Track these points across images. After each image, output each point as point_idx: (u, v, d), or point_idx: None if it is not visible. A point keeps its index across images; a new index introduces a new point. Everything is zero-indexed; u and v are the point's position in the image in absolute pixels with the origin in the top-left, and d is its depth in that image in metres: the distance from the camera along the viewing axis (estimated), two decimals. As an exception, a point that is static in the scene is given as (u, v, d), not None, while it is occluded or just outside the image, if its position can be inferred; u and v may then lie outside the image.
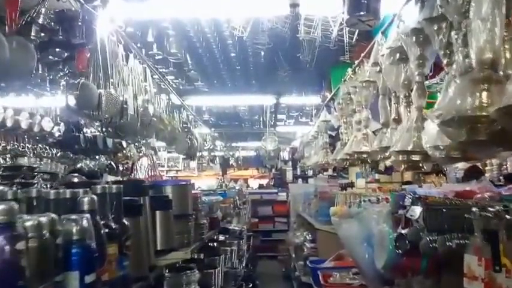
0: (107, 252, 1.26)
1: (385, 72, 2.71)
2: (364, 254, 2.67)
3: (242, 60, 5.73)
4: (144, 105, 3.78)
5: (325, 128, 5.81)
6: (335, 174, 9.61)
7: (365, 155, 3.48)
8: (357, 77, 3.72)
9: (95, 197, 1.27)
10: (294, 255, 8.02)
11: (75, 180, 2.72)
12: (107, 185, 1.43)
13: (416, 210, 2.32)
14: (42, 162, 11.25)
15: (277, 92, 6.50)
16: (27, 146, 8.19)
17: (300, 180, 13.66)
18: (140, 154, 9.35)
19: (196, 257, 3.62)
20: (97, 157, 9.51)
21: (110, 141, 6.61)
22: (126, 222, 1.49)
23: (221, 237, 4.71)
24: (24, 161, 9.81)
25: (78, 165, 9.82)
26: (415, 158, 2.25)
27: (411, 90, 2.46)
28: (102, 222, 1.28)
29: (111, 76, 3.15)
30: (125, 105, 3.13)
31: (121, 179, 4.48)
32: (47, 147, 8.11)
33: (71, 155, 8.83)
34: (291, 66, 5.46)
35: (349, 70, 3.90)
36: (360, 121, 3.64)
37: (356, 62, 3.79)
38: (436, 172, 10.81)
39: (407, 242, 2.31)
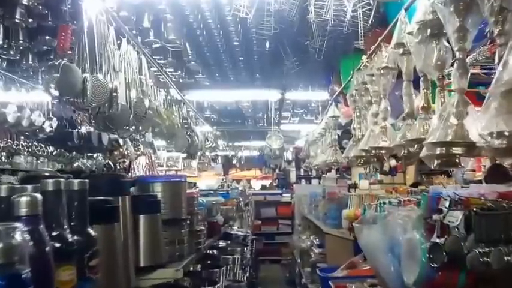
0: (57, 279, 0.87)
1: (413, 53, 2.32)
2: (389, 266, 2.29)
3: (245, 49, 5.34)
4: (138, 96, 3.41)
5: (334, 124, 5.44)
6: (338, 175, 9.24)
7: (383, 151, 3.10)
8: (372, 65, 3.33)
9: (39, 197, 0.88)
10: (299, 260, 7.65)
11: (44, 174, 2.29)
12: (62, 180, 1.03)
13: (457, 215, 1.94)
14: (39, 161, 10.95)
15: (282, 86, 6.11)
16: (21, 144, 7.85)
17: (303, 181, 13.38)
18: (138, 153, 9.00)
19: (192, 269, 3.19)
20: (94, 156, 9.19)
21: (105, 138, 6.26)
22: (93, 233, 1.09)
23: (222, 243, 4.27)
24: (20, 160, 9.50)
25: (75, 164, 9.51)
26: (456, 150, 1.86)
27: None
28: (52, 233, 0.90)
29: (100, 61, 2.76)
30: (114, 94, 2.75)
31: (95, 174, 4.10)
32: (42, 145, 7.76)
33: (67, 154, 8.49)
34: (298, 56, 5.07)
35: (364, 57, 3.52)
36: (376, 113, 3.26)
37: (371, 48, 3.40)
38: (440, 173, 10.46)
39: (444, 253, 1.93)
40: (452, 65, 2.03)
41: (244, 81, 6.53)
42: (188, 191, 2.69)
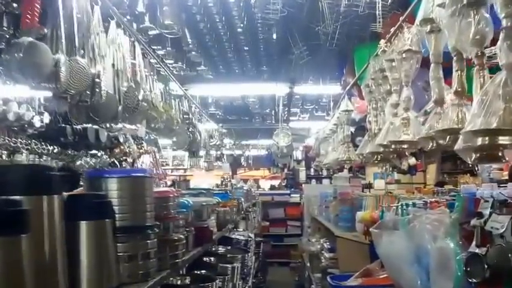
0: None
1: (444, 28, 1.99)
2: (415, 280, 1.96)
3: (251, 37, 5.00)
4: (129, 85, 3.11)
5: (347, 119, 5.10)
6: (351, 174, 8.89)
7: (405, 146, 2.77)
8: (392, 49, 2.99)
9: None
10: (308, 264, 7.32)
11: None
12: None
13: (502, 220, 1.62)
14: (41, 160, 10.68)
15: (291, 79, 5.77)
16: (20, 142, 7.59)
17: (313, 181, 13.10)
18: (141, 151, 8.72)
19: (179, 282, 2.76)
20: (98, 154, 8.92)
21: (103, 135, 5.96)
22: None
23: (221, 249, 3.84)
24: (22, 158, 9.25)
25: (78, 163, 9.25)
26: (503, 140, 1.53)
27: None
28: None
29: (82, 43, 2.46)
30: (97, 80, 2.44)
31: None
32: (43, 143, 7.51)
33: (69, 152, 8.22)
34: (308, 44, 4.72)
35: (382, 41, 3.18)
36: (396, 103, 2.94)
37: (391, 30, 3.07)
38: (463, 172, 10.08)
39: (485, 266, 1.62)
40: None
41: (250, 74, 6.19)
42: (160, 189, 2.34)
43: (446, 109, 2.04)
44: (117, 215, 1.61)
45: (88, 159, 9.14)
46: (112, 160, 9.29)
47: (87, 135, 5.52)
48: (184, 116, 5.32)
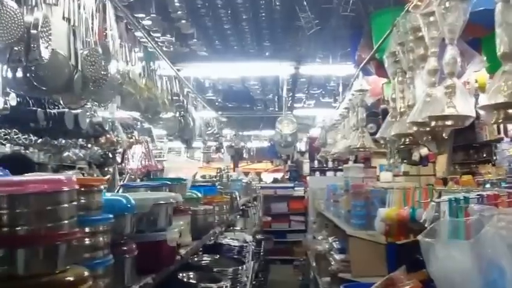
0: None
1: None
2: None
3: (250, 4, 4.29)
4: (92, 48, 2.46)
5: (361, 100, 4.45)
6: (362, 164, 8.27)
7: (450, 121, 2.13)
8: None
9: None
10: (314, 264, 6.72)
11: None
12: None
13: None
14: (27, 152, 10.05)
15: (296, 57, 5.10)
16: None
17: (317, 173, 12.63)
18: (131, 140, 8.09)
19: None
20: (88, 145, 8.31)
21: (83, 121, 5.31)
22: None
23: (206, 259, 2.91)
24: (5, 150, 8.64)
25: (65, 154, 8.61)
26: None
27: None
28: None
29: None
30: (33, 31, 1.80)
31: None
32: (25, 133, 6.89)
33: (55, 142, 7.59)
34: (317, 9, 4.03)
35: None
36: (435, 69, 2.30)
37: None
38: (477, 163, 9.44)
39: None
40: None
41: (251, 50, 5.51)
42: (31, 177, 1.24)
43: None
44: None
45: (77, 150, 8.54)
46: (104, 152, 8.69)
47: (63, 120, 4.88)
48: (174, 98, 4.66)
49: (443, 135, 2.45)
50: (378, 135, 3.17)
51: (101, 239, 1.43)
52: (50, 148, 7.71)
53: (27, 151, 10.12)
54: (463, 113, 2.10)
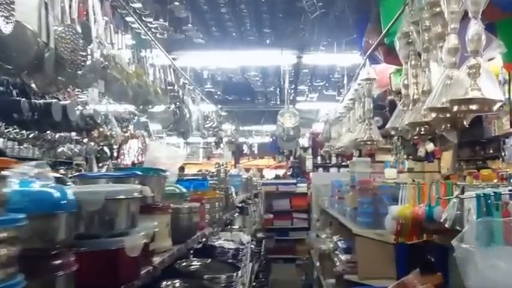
0: None
1: None
2: None
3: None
4: (67, 25, 2.22)
5: (368, 89, 4.19)
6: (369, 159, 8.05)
7: (474, 105, 1.89)
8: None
9: None
10: (318, 264, 6.48)
11: None
12: None
13: None
14: (21, 147, 9.81)
15: (299, 45, 4.82)
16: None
17: (320, 169, 12.46)
18: (126, 134, 7.85)
19: None
20: (84, 141, 8.06)
21: (73, 112, 5.05)
22: None
23: (196, 265, 2.42)
24: (-5, 145, 8.41)
25: (59, 150, 8.36)
26: None
27: None
28: None
29: None
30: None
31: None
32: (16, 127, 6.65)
33: (49, 137, 7.35)
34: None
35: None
36: (456, 48, 2.05)
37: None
38: (483, 159, 9.18)
39: None
40: None
41: (250, 37, 5.22)
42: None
43: None
44: None
45: (72, 145, 8.30)
46: (101, 147, 8.44)
47: (50, 111, 4.63)
48: (168, 88, 4.41)
49: (464, 123, 2.19)
50: (388, 126, 2.92)
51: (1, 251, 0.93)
52: (43, 143, 7.47)
53: (21, 147, 9.90)
54: (489, 96, 1.85)
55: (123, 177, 1.91)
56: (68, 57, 2.19)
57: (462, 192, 1.86)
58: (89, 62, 2.48)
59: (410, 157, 8.80)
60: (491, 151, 8.84)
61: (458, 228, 1.83)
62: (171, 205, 2.10)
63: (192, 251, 2.49)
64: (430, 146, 8.55)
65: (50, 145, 7.65)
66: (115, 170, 2.22)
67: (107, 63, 2.73)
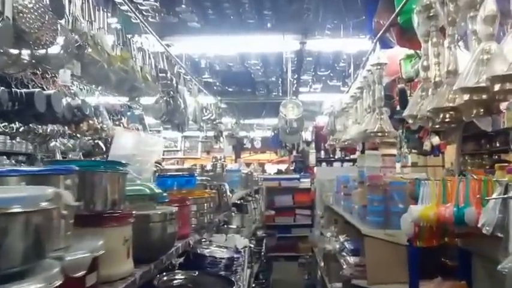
0: None
1: None
2: None
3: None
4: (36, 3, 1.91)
5: (379, 76, 3.87)
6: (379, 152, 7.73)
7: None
8: None
9: None
10: (322, 264, 6.18)
11: None
12: None
13: None
14: (14, 142, 9.51)
15: (302, 29, 4.48)
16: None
17: (323, 164, 12.19)
18: (119, 127, 7.53)
19: None
20: (78, 135, 7.75)
21: (58, 103, 4.75)
22: None
23: (178, 279, 2.04)
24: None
25: (52, 144, 8.07)
26: None
27: None
28: None
29: None
30: None
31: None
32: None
33: (40, 131, 7.04)
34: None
35: None
36: (494, 16, 1.74)
37: None
38: (490, 153, 8.84)
39: None
40: None
41: (250, 21, 4.88)
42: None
43: None
44: None
45: (65, 140, 7.98)
46: (96, 142, 8.12)
47: (33, 101, 4.31)
48: (160, 75, 4.09)
49: (501, 107, 1.87)
50: (405, 114, 2.59)
51: None
52: (33, 137, 7.16)
53: (14, 141, 9.58)
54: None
55: (47, 174, 1.21)
56: (30, 30, 1.87)
57: (506, 190, 1.54)
58: (60, 40, 2.17)
59: (415, 151, 8.49)
60: (497, 144, 8.52)
61: (499, 234, 1.51)
62: (134, 212, 1.56)
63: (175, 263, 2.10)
64: (436, 140, 8.22)
65: (41, 139, 7.35)
66: (45, 164, 1.36)
67: (83, 42, 2.41)
